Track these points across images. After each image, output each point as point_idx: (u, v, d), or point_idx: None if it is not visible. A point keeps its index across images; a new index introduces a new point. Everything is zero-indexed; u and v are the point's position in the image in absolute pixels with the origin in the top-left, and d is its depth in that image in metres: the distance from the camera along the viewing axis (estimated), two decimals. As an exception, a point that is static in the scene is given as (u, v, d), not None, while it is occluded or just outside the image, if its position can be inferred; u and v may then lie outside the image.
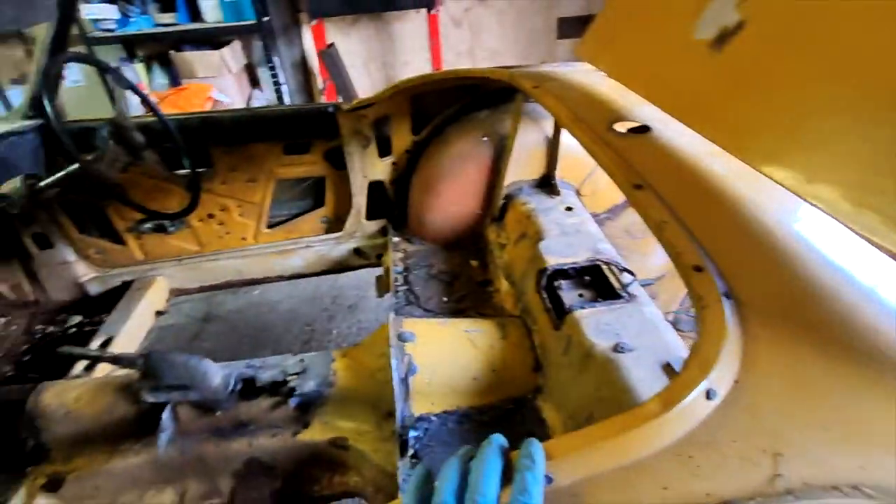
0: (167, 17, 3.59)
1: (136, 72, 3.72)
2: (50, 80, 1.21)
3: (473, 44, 4.12)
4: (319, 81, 4.05)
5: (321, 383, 1.32)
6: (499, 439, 0.57)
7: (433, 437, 1.18)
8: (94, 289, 2.01)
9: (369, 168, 1.90)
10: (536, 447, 0.54)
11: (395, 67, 4.13)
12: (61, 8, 1.52)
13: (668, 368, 1.02)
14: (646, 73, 1.21)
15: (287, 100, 3.71)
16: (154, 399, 1.22)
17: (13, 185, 1.33)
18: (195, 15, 3.68)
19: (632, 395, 0.97)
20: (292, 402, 1.29)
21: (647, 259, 1.70)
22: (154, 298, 1.96)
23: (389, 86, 1.76)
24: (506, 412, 1.24)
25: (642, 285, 1.30)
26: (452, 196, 1.81)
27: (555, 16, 4.07)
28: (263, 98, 3.94)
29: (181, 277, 2.07)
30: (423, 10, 3.68)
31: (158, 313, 1.97)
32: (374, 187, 1.97)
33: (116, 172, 1.34)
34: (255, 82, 4.03)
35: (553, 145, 1.70)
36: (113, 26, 3.55)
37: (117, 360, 1.28)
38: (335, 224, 2.09)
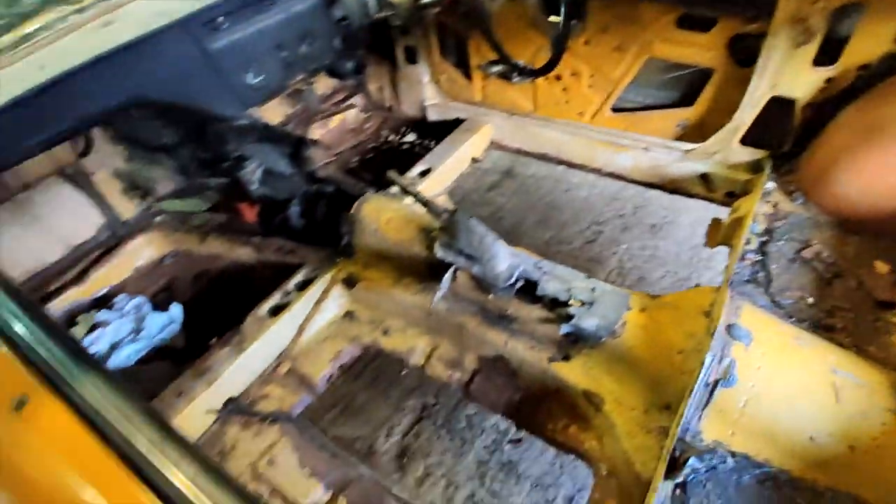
0: None
1: None
2: None
3: None
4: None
5: (603, 327, 1.10)
6: None
7: (716, 482, 0.86)
8: (432, 114, 2.10)
9: (788, 76, 1.32)
10: None
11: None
12: None
13: None
14: None
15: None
16: (443, 256, 1.20)
17: (402, -6, 1.31)
18: None
19: None
20: (563, 328, 1.12)
21: None
22: (476, 144, 1.95)
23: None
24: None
25: None
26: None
27: None
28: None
29: (505, 132, 1.99)
30: None
31: (474, 160, 1.97)
32: (776, 104, 1.39)
33: (496, 4, 1.17)
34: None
35: None
36: None
37: (427, 205, 1.28)
38: (693, 132, 1.64)
